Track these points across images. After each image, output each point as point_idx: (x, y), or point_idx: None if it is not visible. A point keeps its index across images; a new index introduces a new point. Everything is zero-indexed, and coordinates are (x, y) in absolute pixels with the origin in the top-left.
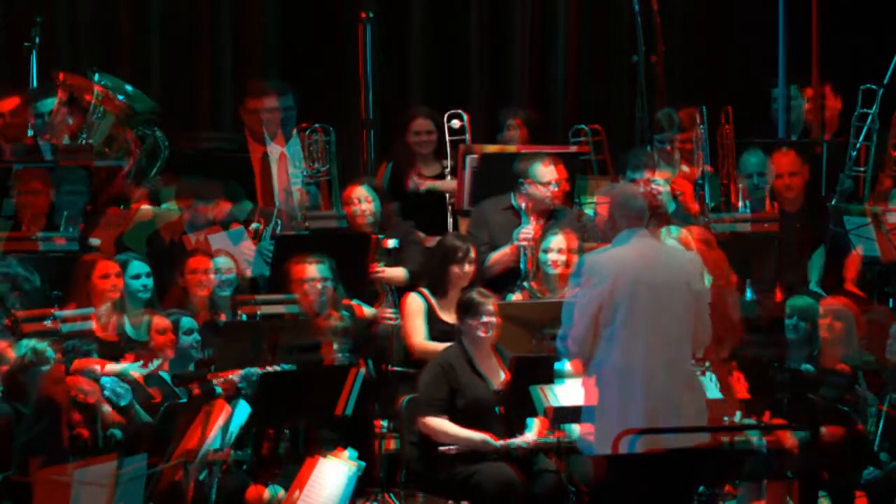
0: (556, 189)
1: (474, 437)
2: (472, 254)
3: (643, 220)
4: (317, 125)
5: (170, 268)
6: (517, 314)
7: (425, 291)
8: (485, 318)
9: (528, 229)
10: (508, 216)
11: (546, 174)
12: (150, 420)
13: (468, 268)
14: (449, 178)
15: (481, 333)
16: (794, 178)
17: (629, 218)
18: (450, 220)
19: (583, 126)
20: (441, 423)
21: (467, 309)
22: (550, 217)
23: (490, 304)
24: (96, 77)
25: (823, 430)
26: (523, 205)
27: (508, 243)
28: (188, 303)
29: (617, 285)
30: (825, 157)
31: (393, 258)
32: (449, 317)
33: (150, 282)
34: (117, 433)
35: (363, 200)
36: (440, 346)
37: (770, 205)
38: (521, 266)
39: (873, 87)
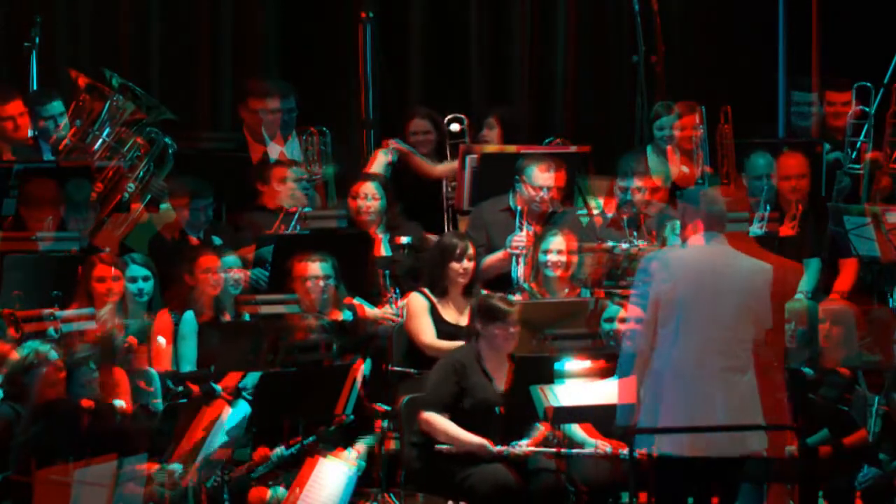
0: (546, 195)
1: (473, 440)
2: (471, 251)
3: (723, 226)
4: (312, 128)
5: (176, 267)
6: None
7: (426, 291)
8: (512, 329)
9: (521, 236)
10: (506, 217)
11: (540, 178)
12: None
13: (467, 264)
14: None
15: (505, 342)
16: (801, 180)
17: (710, 222)
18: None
19: (552, 138)
20: (441, 421)
21: (494, 316)
22: (549, 220)
23: (515, 313)
24: (107, 73)
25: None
26: (520, 207)
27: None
28: (194, 301)
29: (680, 285)
30: (825, 158)
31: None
32: (450, 316)
33: (147, 285)
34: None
35: (370, 197)
36: (451, 344)
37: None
38: (513, 274)
39: (868, 84)
